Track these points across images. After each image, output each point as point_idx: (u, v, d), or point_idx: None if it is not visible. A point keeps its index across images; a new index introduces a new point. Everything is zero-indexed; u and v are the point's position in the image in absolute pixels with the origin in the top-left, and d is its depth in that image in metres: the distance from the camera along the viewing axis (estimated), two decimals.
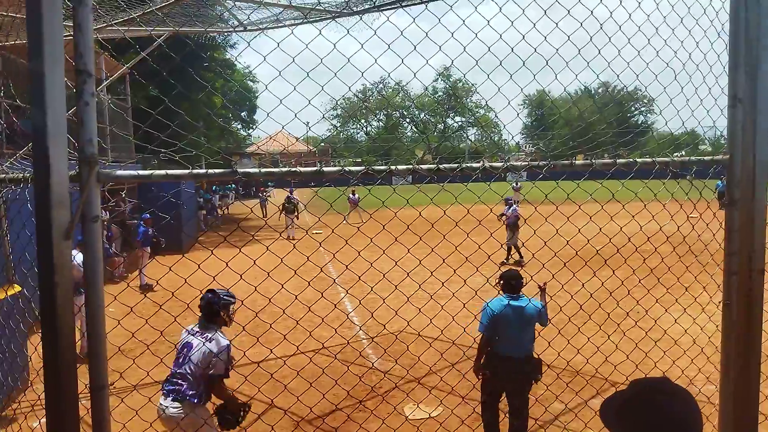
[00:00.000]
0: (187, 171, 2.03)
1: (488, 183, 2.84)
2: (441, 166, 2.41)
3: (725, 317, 2.35)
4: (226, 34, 17.14)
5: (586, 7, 2.56)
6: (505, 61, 2.58)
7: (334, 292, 9.56)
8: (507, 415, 4.50)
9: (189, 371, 3.84)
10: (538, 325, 4.19)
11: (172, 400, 3.83)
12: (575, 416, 4.89)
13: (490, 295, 4.27)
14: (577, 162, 2.65)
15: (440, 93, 77.71)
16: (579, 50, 2.69)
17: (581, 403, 5.48)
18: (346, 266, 2.91)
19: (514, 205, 14.49)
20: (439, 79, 72.23)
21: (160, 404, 3.88)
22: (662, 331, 3.30)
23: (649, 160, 2.58)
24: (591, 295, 2.93)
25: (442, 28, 2.48)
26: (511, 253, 14.08)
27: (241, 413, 3.99)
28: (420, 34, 2.62)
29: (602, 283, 2.83)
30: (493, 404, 4.72)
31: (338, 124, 78.46)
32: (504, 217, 14.12)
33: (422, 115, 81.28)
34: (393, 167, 2.38)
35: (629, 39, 2.70)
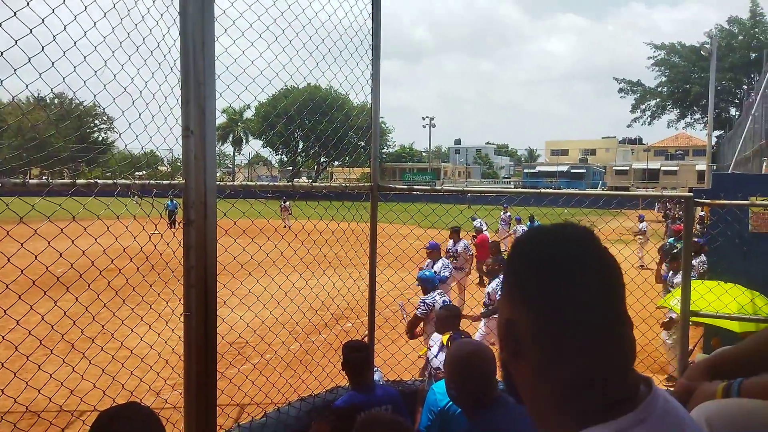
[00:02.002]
0: None
1: None
2: None
3: (186, 327, 2.59)
4: None
5: (37, 14, 2.33)
6: None
7: None
8: None
9: None
10: None
11: None
12: None
13: None
14: (31, 182, 2.38)
15: None
16: (30, 58, 2.42)
17: None
18: None
19: None
20: None
21: None
22: (129, 350, 3.34)
23: (110, 182, 2.58)
24: (53, 327, 2.68)
25: None
26: None
27: None
28: None
29: (65, 312, 2.63)
30: None
31: None
32: None
33: None
34: None
35: (85, 57, 2.61)
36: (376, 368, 3.80)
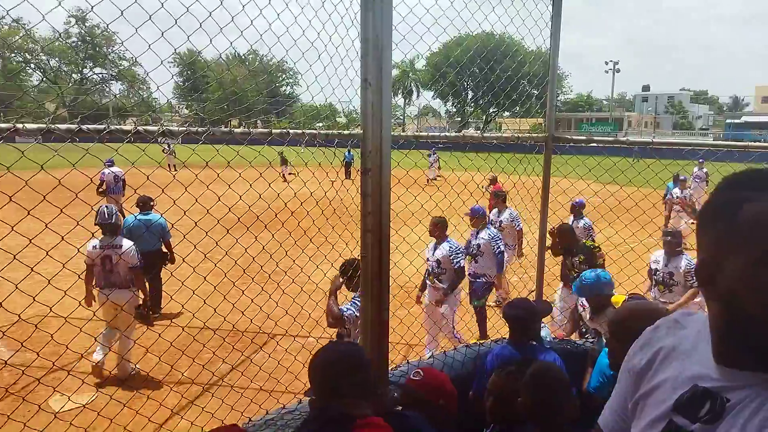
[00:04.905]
0: None
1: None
2: (84, 127, 2.13)
3: (363, 268, 2.79)
4: None
5: None
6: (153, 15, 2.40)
7: None
8: None
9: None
10: None
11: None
12: (241, 374, 5.13)
13: None
14: (236, 130, 2.70)
15: (75, 38, 67.38)
16: (233, 17, 2.70)
17: (246, 360, 5.77)
18: None
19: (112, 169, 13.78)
20: (73, 23, 62.47)
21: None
22: (314, 284, 3.72)
23: (300, 131, 2.82)
24: (254, 258, 3.09)
25: None
26: None
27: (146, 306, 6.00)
28: None
29: (263, 247, 3.01)
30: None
31: None
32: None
33: (52, 62, 69.11)
34: (20, 125, 1.99)
35: (279, 14, 2.84)
36: (543, 324, 3.74)
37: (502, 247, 6.90)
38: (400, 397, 2.61)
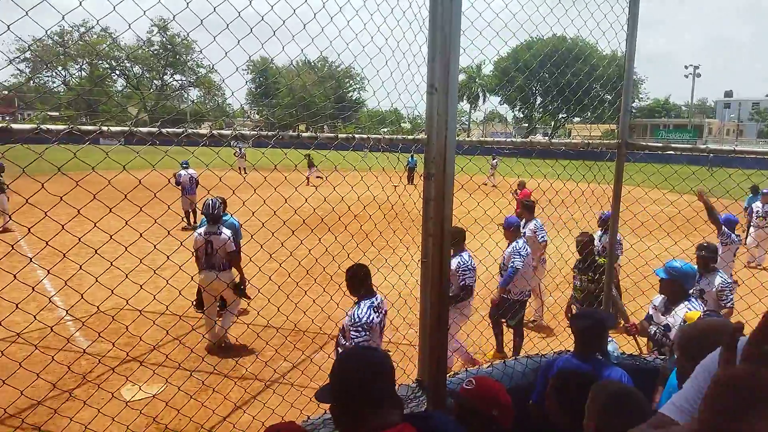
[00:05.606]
0: None
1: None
2: (164, 131, 2.24)
3: (423, 273, 2.78)
4: None
5: None
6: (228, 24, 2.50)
7: (30, 272, 8.19)
8: None
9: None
10: None
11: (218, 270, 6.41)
12: (301, 373, 5.23)
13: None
14: (303, 134, 2.77)
15: (157, 46, 71.36)
16: (305, 25, 2.77)
17: (306, 359, 5.89)
18: (47, 242, 2.49)
19: (188, 171, 14.57)
20: (156, 31, 66.25)
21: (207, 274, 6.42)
22: (375, 287, 3.75)
23: (365, 136, 2.85)
24: (317, 260, 3.15)
25: None
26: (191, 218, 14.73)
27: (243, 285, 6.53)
28: None
29: (327, 249, 3.07)
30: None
31: (27, 69, 65.61)
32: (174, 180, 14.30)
33: (136, 69, 73.47)
34: (105, 128, 2.12)
35: (348, 21, 2.89)
36: (610, 339, 3.58)
37: (517, 264, 6.34)
38: (453, 406, 2.57)
